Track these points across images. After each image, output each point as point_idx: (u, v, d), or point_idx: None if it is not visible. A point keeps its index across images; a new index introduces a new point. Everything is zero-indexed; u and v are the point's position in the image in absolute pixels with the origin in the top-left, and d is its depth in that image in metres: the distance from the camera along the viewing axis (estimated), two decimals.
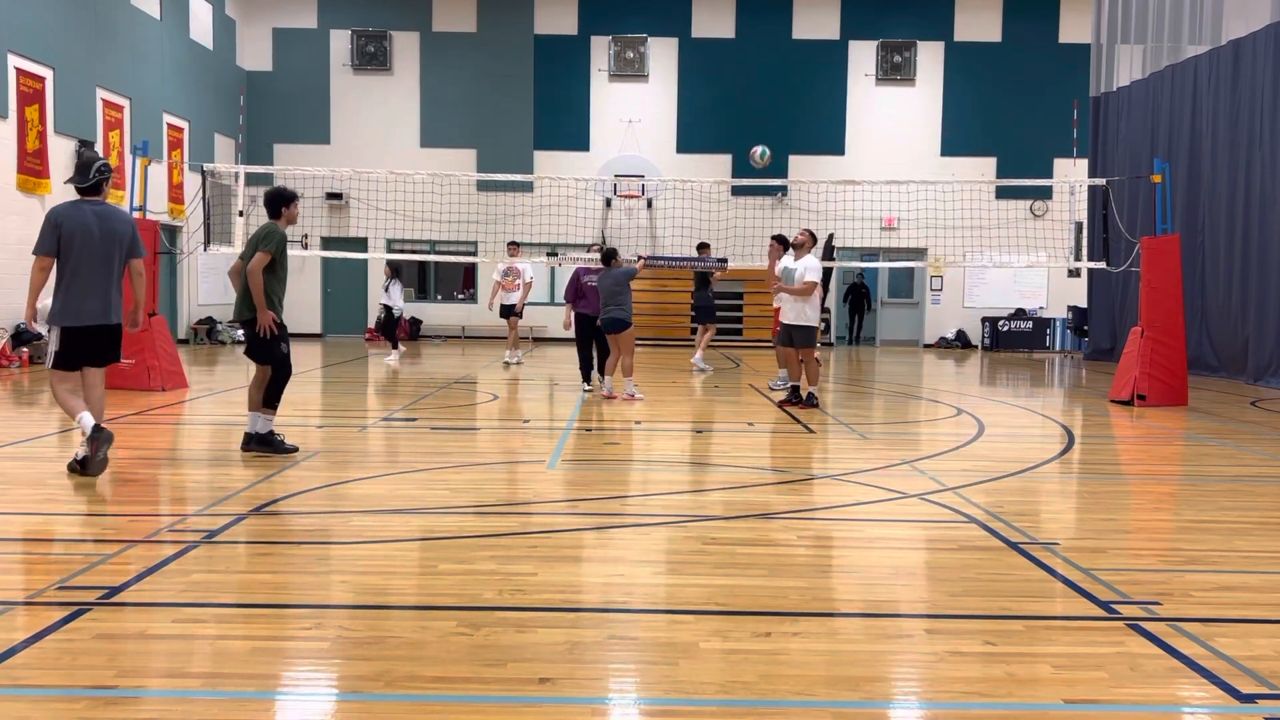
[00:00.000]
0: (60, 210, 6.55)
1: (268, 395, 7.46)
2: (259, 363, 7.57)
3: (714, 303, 15.60)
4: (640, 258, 12.53)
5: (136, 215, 12.32)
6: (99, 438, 6.27)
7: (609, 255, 11.90)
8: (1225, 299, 16.19)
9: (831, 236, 23.44)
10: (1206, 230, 16.68)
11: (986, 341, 24.32)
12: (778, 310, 13.80)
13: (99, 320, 6.54)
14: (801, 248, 11.05)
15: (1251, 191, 15.41)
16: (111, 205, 6.79)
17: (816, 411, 10.71)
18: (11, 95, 15.13)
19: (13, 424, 9.16)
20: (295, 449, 7.48)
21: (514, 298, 15.99)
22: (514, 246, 16.47)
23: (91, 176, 6.59)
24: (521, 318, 16.60)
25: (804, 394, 11.11)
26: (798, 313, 10.89)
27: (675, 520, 5.57)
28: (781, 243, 13.60)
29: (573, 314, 12.50)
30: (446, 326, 24.70)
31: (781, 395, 12.44)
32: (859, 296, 25.20)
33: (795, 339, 10.94)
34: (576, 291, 12.33)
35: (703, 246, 16.41)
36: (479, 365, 16.58)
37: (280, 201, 7.61)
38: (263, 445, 7.42)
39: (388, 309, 17.23)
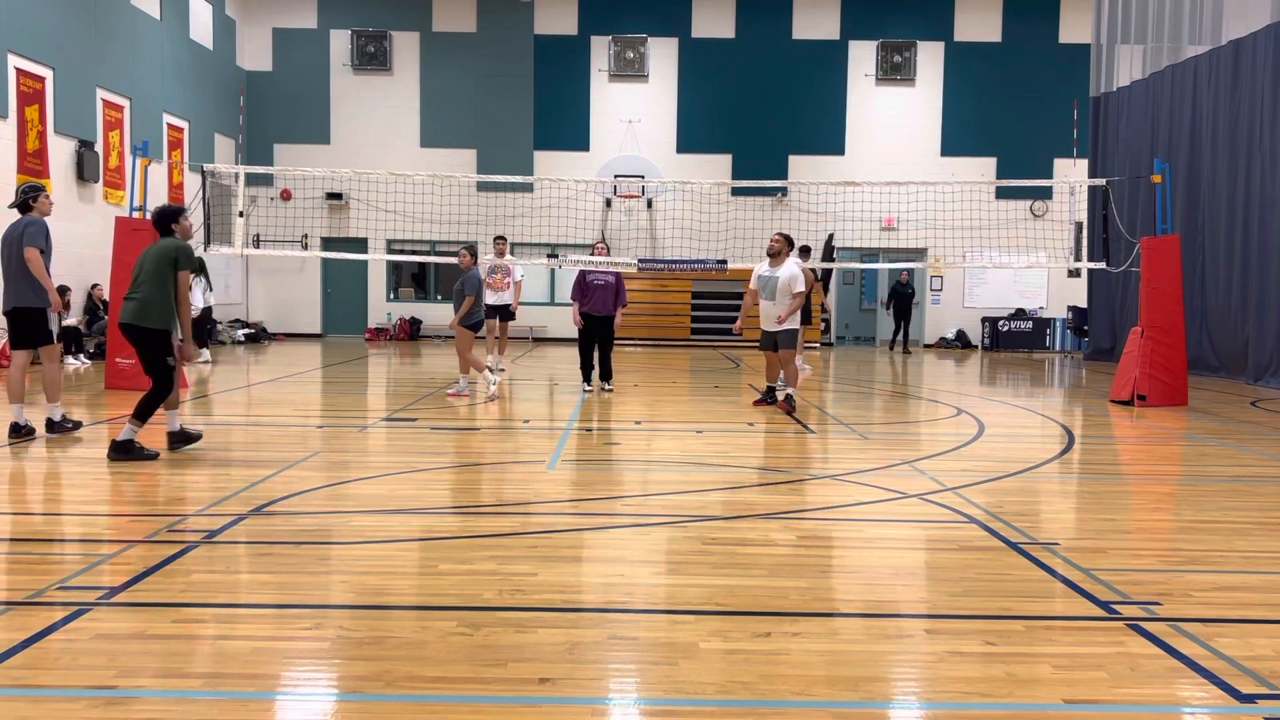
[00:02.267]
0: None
1: (141, 407, 7.21)
2: (150, 374, 7.35)
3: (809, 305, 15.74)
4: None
5: (136, 214, 12.34)
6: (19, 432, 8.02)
7: (472, 251, 11.69)
8: (1225, 299, 16.19)
9: (831, 236, 23.46)
10: (1206, 230, 16.68)
11: (986, 341, 24.33)
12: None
13: (6, 307, 8.26)
14: (778, 255, 10.57)
15: (1251, 191, 15.41)
16: (23, 217, 8.19)
17: (816, 411, 10.71)
18: (11, 95, 15.13)
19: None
20: (155, 455, 7.21)
21: (505, 298, 14.81)
22: (501, 242, 15.02)
23: (17, 198, 8.28)
24: (514, 319, 15.32)
25: (781, 395, 10.91)
26: (774, 319, 10.54)
27: (675, 520, 5.57)
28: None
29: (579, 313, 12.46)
30: (446, 327, 24.68)
31: (782, 395, 12.45)
32: (904, 298, 22.60)
33: (780, 342, 10.65)
34: (583, 291, 12.31)
35: (802, 252, 16.25)
36: None
37: (169, 218, 7.58)
38: (122, 452, 7.11)
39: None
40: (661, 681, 3.30)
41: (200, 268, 17.03)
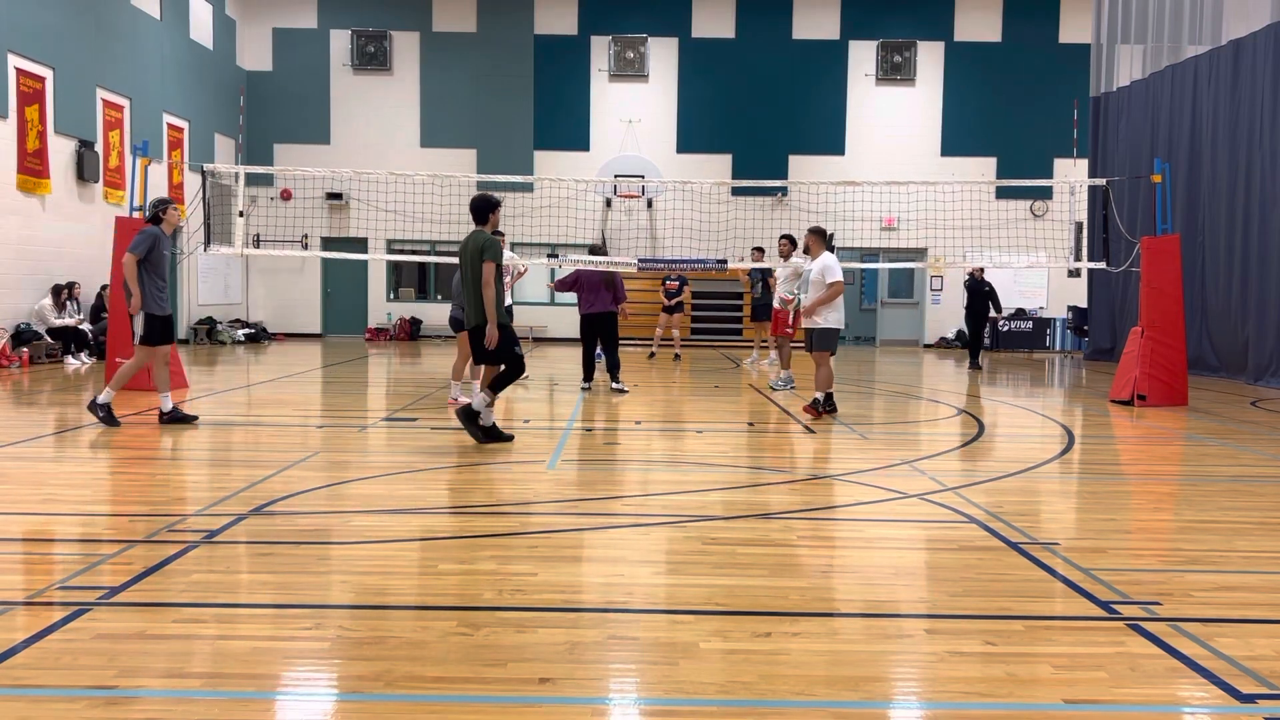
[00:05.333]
0: None
1: (496, 382, 8.00)
2: (493, 365, 8.12)
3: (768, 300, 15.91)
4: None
5: (136, 215, 12.33)
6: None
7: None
8: (1225, 299, 16.19)
9: (831, 236, 23.43)
10: (1206, 230, 16.68)
11: (987, 341, 24.28)
12: (783, 311, 13.75)
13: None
14: (809, 251, 10.35)
15: (1251, 191, 15.41)
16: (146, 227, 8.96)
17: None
18: (11, 95, 15.13)
19: (13, 424, 9.16)
20: (510, 438, 8.03)
21: (507, 298, 14.30)
22: (499, 237, 14.59)
23: (149, 212, 9.09)
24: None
25: (818, 397, 10.21)
26: (813, 315, 10.14)
27: (675, 520, 5.57)
28: (792, 243, 13.54)
29: (580, 314, 12.47)
30: (446, 327, 24.66)
31: (782, 395, 12.45)
32: (979, 297, 17.69)
33: (814, 343, 10.19)
34: (574, 285, 12.40)
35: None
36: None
37: (489, 208, 8.11)
38: (469, 421, 7.90)
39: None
40: (661, 681, 3.30)
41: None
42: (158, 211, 9.00)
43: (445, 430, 9.17)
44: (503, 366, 8.11)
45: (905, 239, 23.51)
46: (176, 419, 8.89)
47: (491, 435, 8.02)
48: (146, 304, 8.76)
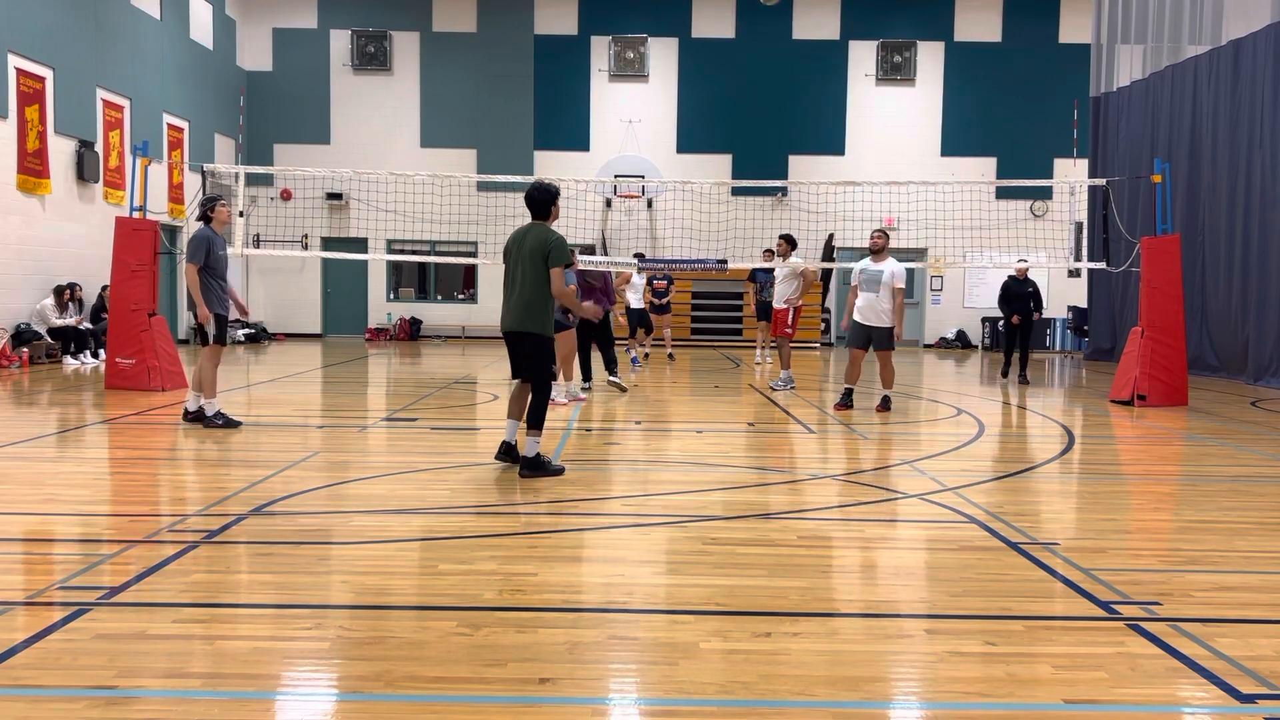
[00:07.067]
0: None
1: (533, 416, 6.90)
2: (533, 379, 7.05)
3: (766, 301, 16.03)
4: None
5: (136, 215, 12.32)
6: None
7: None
8: (1225, 299, 16.19)
9: (831, 236, 23.45)
10: (1206, 230, 16.68)
11: (987, 341, 24.31)
12: (782, 311, 13.71)
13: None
14: (881, 252, 10.58)
15: (1251, 191, 15.41)
16: (199, 228, 8.84)
17: (816, 411, 10.70)
18: (11, 95, 15.13)
19: (13, 424, 9.16)
20: (561, 470, 6.94)
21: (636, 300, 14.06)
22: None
23: (198, 211, 8.96)
24: None
25: (888, 394, 10.96)
26: (880, 313, 10.55)
27: (675, 520, 5.57)
28: (790, 243, 13.54)
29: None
30: (446, 327, 24.70)
31: (782, 395, 12.45)
32: (1022, 300, 14.89)
33: (877, 342, 10.67)
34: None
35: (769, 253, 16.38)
36: (479, 365, 16.58)
37: (551, 200, 6.98)
38: (538, 470, 6.82)
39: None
40: (661, 681, 3.30)
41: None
42: (206, 210, 8.83)
43: (445, 430, 9.17)
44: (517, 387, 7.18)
45: (905, 239, 23.50)
46: (222, 422, 8.68)
47: (548, 469, 6.89)
48: (212, 306, 8.68)
